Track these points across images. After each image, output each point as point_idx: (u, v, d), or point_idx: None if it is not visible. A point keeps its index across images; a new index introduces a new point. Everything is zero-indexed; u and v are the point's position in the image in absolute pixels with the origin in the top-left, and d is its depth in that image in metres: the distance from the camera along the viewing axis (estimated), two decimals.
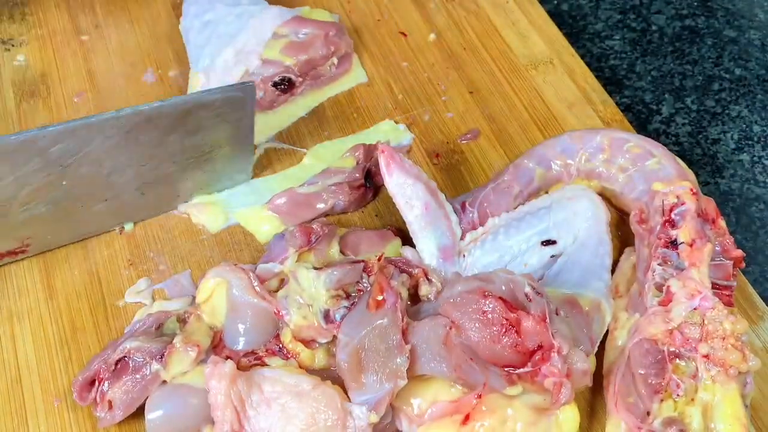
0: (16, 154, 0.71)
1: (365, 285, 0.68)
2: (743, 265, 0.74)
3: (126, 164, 0.76)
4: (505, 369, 0.64)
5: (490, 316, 0.64)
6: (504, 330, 0.64)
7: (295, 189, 0.81)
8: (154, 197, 0.80)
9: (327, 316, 0.67)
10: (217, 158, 0.81)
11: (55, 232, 0.78)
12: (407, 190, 0.74)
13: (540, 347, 0.64)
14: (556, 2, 1.15)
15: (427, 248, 0.74)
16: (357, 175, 0.80)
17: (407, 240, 0.76)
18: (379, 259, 0.69)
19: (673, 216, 0.72)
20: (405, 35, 0.97)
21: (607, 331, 0.72)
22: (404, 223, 0.75)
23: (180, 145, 0.77)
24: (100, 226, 0.80)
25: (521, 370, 0.64)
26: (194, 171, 0.80)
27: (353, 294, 0.68)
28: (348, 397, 0.65)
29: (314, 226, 0.74)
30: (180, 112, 0.75)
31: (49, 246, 0.79)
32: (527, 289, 0.66)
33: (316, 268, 0.69)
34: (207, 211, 0.81)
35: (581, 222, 0.75)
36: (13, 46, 0.94)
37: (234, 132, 0.79)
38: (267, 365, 0.68)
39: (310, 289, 0.68)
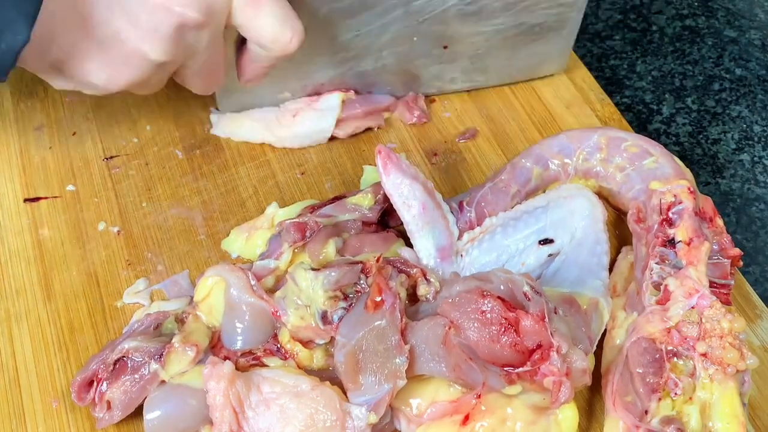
0: (385, 2, 0.80)
1: (363, 286, 0.68)
2: (741, 263, 0.74)
3: (469, 33, 0.84)
4: (505, 368, 0.64)
5: (488, 315, 0.64)
6: (503, 329, 0.64)
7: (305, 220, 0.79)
8: (471, 70, 0.89)
9: (324, 318, 0.67)
10: (541, 43, 0.87)
11: (392, 84, 0.88)
12: (404, 190, 0.74)
13: (539, 346, 0.64)
14: None
15: (424, 248, 0.74)
16: (371, 215, 0.78)
17: (408, 242, 0.76)
18: (377, 260, 0.69)
19: (670, 215, 0.72)
20: None
21: (605, 330, 0.72)
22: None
23: (513, 21, 0.84)
24: (428, 87, 0.90)
25: (520, 369, 0.64)
26: (516, 51, 0.88)
27: (351, 295, 0.68)
28: (347, 397, 0.65)
29: (309, 222, 0.74)
30: None
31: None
32: (526, 289, 0.66)
33: (313, 269, 0.68)
34: None
35: (578, 221, 0.75)
36: None
37: (563, 17, 0.86)
38: (265, 365, 0.68)
39: (308, 290, 0.68)
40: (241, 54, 0.76)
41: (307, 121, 0.87)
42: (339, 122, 0.87)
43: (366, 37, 0.83)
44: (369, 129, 0.89)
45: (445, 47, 0.86)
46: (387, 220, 0.79)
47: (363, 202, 0.77)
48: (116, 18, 0.66)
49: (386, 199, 0.76)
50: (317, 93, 0.88)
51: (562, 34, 0.88)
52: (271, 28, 0.70)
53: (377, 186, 0.77)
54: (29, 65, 0.67)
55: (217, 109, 0.89)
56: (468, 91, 0.92)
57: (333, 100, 0.87)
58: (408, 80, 0.89)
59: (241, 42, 0.75)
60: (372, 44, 0.84)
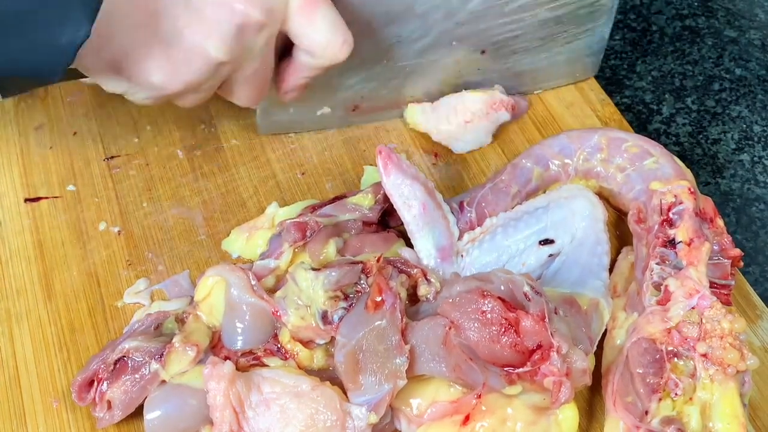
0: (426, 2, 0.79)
1: (363, 286, 0.68)
2: (741, 264, 0.74)
3: (507, 36, 0.84)
4: (505, 369, 0.64)
5: (489, 315, 0.64)
6: (503, 330, 0.64)
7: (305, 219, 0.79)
8: (506, 74, 0.88)
9: (325, 318, 0.67)
10: (574, 42, 0.87)
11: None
12: (405, 190, 0.74)
13: (539, 347, 0.64)
14: None
15: (424, 248, 0.74)
16: (371, 215, 0.78)
17: (408, 242, 0.76)
18: (378, 260, 0.69)
19: (671, 215, 0.72)
20: None
21: (606, 330, 0.72)
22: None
23: (546, 17, 0.84)
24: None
25: (521, 369, 0.64)
26: (549, 51, 0.88)
27: (351, 295, 0.68)
28: (347, 397, 0.65)
29: (309, 221, 0.74)
30: None
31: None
32: (526, 289, 0.66)
33: (314, 269, 0.68)
34: None
35: (579, 221, 0.75)
36: None
37: (595, 18, 0.86)
38: (265, 365, 0.68)
39: (308, 290, 0.68)
40: (282, 64, 0.76)
41: (481, 130, 0.87)
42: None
43: (407, 43, 0.82)
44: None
45: (483, 52, 0.86)
46: (387, 221, 0.79)
47: (363, 202, 0.77)
48: (180, 14, 0.66)
49: (386, 199, 0.76)
50: (355, 107, 0.88)
51: (596, 31, 0.88)
52: (324, 34, 0.71)
53: (377, 186, 0.77)
54: (86, 62, 0.67)
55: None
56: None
57: (503, 116, 0.87)
58: (444, 88, 0.88)
59: (282, 53, 0.76)
60: (411, 50, 0.83)
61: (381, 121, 0.90)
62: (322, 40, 0.71)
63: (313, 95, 0.83)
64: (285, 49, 0.75)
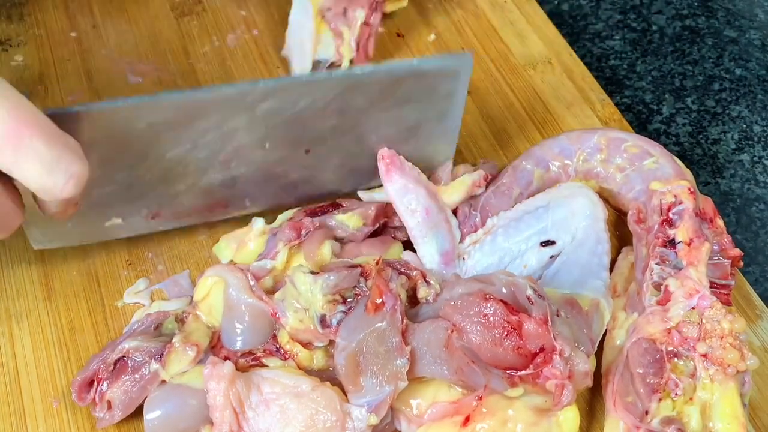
0: (226, 106, 0.69)
1: (363, 289, 0.68)
2: (741, 264, 0.74)
3: (330, 132, 0.73)
4: (507, 371, 0.64)
5: (491, 319, 0.64)
6: (506, 333, 0.64)
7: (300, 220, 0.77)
8: (350, 174, 0.77)
9: (323, 321, 0.67)
10: (421, 136, 0.76)
11: (252, 196, 0.76)
12: (408, 196, 0.74)
13: (542, 350, 0.64)
14: (556, 2, 1.15)
15: (428, 254, 0.74)
16: (357, 236, 0.75)
17: (407, 244, 0.76)
18: (377, 263, 0.69)
19: (670, 215, 0.72)
20: (402, 36, 0.97)
21: (606, 330, 0.72)
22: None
23: (386, 116, 0.74)
24: (285, 199, 0.78)
25: (523, 372, 0.64)
26: (397, 147, 0.75)
27: (350, 299, 0.68)
28: (347, 398, 0.65)
29: (305, 222, 0.74)
30: (392, 79, 0.72)
31: (244, 209, 0.78)
32: (529, 292, 0.65)
33: (312, 273, 0.68)
34: None
35: (580, 221, 0.75)
36: (11, 46, 0.94)
37: (443, 107, 0.75)
38: (265, 365, 0.68)
39: (307, 293, 0.67)
40: None
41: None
42: None
43: (205, 148, 0.71)
44: None
45: (307, 152, 0.75)
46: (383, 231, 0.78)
47: (350, 222, 0.75)
48: None
49: (375, 220, 0.75)
50: (155, 214, 0.75)
51: (443, 129, 0.78)
52: (36, 174, 0.57)
53: (368, 206, 0.76)
54: None
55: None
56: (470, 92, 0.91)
57: (479, 191, 0.78)
58: (275, 191, 0.78)
59: None
60: (215, 156, 0.72)
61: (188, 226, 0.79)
62: (34, 179, 0.57)
63: (95, 209, 0.72)
64: None
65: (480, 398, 0.64)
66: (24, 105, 0.58)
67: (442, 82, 0.74)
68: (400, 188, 0.74)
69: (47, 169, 0.57)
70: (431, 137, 0.78)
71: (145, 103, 0.67)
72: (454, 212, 0.77)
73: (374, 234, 0.77)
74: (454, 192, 0.76)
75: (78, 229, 0.73)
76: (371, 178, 0.77)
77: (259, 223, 0.76)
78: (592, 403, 0.71)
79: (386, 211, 0.77)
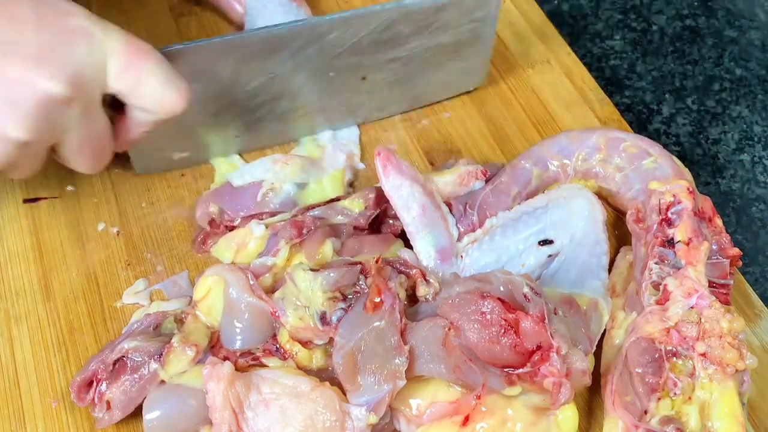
0: (299, 39, 0.78)
1: (362, 286, 0.68)
2: (740, 263, 0.74)
3: (385, 60, 0.82)
4: (505, 369, 0.64)
5: (488, 317, 0.64)
6: (503, 331, 0.64)
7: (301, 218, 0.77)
8: (394, 96, 0.87)
9: (323, 318, 0.67)
10: (459, 59, 0.86)
11: (317, 120, 0.86)
12: (404, 192, 0.74)
13: (539, 347, 0.64)
14: (556, 2, 1.15)
15: (424, 250, 0.74)
16: (361, 221, 0.77)
17: (406, 243, 0.76)
18: (376, 261, 0.69)
19: (669, 215, 0.72)
20: None
21: (605, 330, 0.72)
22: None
23: (430, 41, 0.83)
24: (344, 122, 0.87)
25: (520, 370, 0.64)
26: (438, 68, 0.86)
27: (350, 296, 0.68)
28: (347, 397, 0.65)
29: (306, 220, 0.74)
30: (435, 7, 0.80)
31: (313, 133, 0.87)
32: (525, 290, 0.66)
33: (312, 270, 0.68)
34: None
35: (578, 221, 0.75)
36: None
37: (477, 32, 0.85)
38: (264, 365, 0.68)
39: (307, 291, 0.68)
40: (117, 120, 0.72)
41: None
42: None
43: (280, 79, 0.80)
44: None
45: (364, 78, 0.84)
46: (380, 228, 0.79)
47: (353, 207, 0.77)
48: None
49: (377, 204, 0.76)
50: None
51: (477, 49, 0.87)
52: (155, 92, 0.68)
53: (368, 191, 0.77)
54: None
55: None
56: (468, 92, 0.92)
57: (476, 186, 0.80)
58: (331, 117, 0.87)
59: (113, 105, 0.71)
60: (287, 86, 0.81)
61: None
62: (153, 97, 0.68)
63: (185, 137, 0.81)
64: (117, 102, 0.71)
65: (479, 397, 0.64)
66: (133, 37, 0.67)
67: (478, 7, 0.83)
68: (396, 185, 0.74)
69: (162, 86, 0.67)
70: (468, 58, 0.87)
71: (231, 41, 0.78)
72: (451, 210, 0.77)
73: (375, 229, 0.78)
74: (448, 178, 0.79)
75: (180, 154, 0.83)
76: (418, 101, 0.90)
77: (259, 229, 0.76)
78: (591, 402, 0.71)
79: (384, 198, 0.78)
